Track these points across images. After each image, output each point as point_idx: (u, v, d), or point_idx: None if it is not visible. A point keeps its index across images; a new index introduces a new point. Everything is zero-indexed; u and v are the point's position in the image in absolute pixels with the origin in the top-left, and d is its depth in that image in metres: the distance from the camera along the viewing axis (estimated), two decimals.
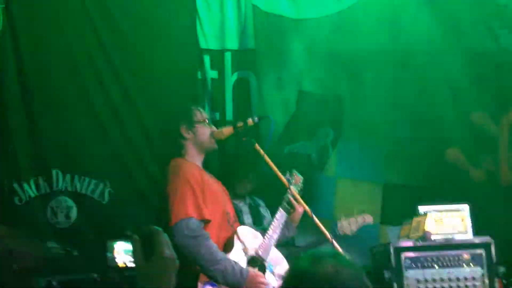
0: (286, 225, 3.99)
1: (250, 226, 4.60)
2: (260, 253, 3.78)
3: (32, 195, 5.30)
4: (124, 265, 4.83)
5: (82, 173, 5.38)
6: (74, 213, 5.35)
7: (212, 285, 3.60)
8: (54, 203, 5.35)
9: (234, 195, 4.70)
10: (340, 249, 3.99)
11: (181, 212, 3.62)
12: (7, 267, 3.96)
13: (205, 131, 3.95)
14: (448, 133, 6.00)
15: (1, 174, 5.27)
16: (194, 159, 3.90)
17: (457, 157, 5.99)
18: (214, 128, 4.01)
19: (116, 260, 4.86)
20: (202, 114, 4.01)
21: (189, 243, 3.56)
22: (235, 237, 3.79)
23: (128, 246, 4.77)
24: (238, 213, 4.62)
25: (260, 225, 4.65)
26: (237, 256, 3.72)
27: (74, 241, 5.28)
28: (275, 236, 3.84)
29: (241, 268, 3.65)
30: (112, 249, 4.85)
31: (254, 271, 3.70)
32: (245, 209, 4.79)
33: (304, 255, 1.95)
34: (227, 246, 3.79)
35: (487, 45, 6.07)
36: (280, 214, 3.91)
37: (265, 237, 3.83)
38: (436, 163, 5.96)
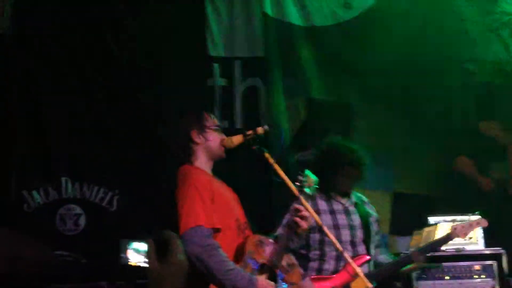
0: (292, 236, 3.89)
1: (359, 227, 4.47)
2: (271, 260, 3.74)
3: (41, 202, 5.29)
4: (136, 265, 4.79)
5: (90, 181, 5.37)
6: (82, 220, 5.34)
7: None
8: (63, 211, 5.34)
9: (339, 193, 4.55)
10: (351, 261, 3.96)
11: (190, 221, 3.57)
12: (15, 273, 3.96)
13: (215, 137, 3.89)
14: (458, 141, 5.98)
15: (10, 182, 5.27)
16: (203, 165, 3.85)
17: (466, 166, 5.96)
18: (223, 135, 3.97)
19: (130, 260, 4.83)
20: (213, 120, 3.97)
21: (198, 252, 3.51)
22: (246, 245, 3.75)
23: (142, 246, 4.74)
24: (346, 214, 4.50)
25: (366, 225, 4.49)
26: (248, 265, 3.68)
27: (82, 249, 5.27)
28: (287, 243, 3.79)
29: (251, 278, 3.60)
30: (126, 249, 4.82)
31: (264, 279, 3.66)
32: (352, 208, 4.56)
33: None
34: (238, 254, 3.73)
35: (498, 53, 6.06)
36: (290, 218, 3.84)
37: (277, 244, 3.78)
38: (446, 172, 5.94)
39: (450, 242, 4.89)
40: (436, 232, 4.90)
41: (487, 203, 5.79)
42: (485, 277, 4.85)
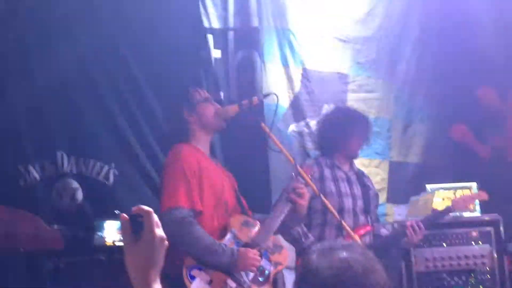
0: (291, 215, 3.82)
1: (359, 197, 4.48)
2: (255, 240, 3.71)
3: (37, 177, 5.27)
4: (112, 244, 4.79)
5: (87, 155, 5.35)
6: (79, 195, 5.32)
7: (199, 268, 3.54)
8: (59, 185, 5.32)
9: (348, 157, 4.59)
10: (348, 229, 3.96)
11: (171, 200, 3.55)
12: (12, 249, 3.95)
13: (208, 110, 3.87)
14: (454, 108, 5.95)
15: (6, 157, 5.24)
16: (200, 143, 3.83)
17: (463, 133, 5.95)
18: (217, 105, 3.94)
19: (105, 239, 4.83)
20: (202, 93, 3.93)
21: (175, 230, 3.46)
22: (230, 224, 3.73)
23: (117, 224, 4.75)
24: (348, 182, 4.50)
25: (367, 196, 4.52)
26: (231, 243, 3.66)
27: (79, 223, 5.26)
28: (275, 224, 3.75)
29: (232, 249, 3.58)
30: (102, 228, 4.83)
31: (245, 248, 3.63)
32: (353, 178, 4.59)
33: (314, 247, 1.87)
34: (221, 234, 3.73)
35: (494, 18, 6.01)
36: (283, 203, 3.81)
37: (263, 224, 3.77)
38: (443, 140, 5.93)
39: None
40: (434, 200, 4.91)
41: (485, 171, 5.78)
42: (483, 244, 4.87)
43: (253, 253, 3.59)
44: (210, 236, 3.57)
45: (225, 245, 3.58)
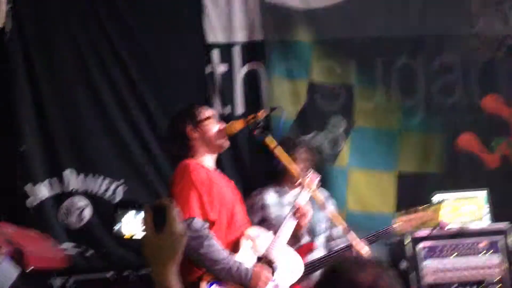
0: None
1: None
2: (269, 254, 3.71)
3: (45, 196, 5.30)
4: (130, 237, 4.77)
5: (94, 172, 5.36)
6: (87, 212, 5.34)
7: (218, 284, 3.54)
8: (67, 204, 5.34)
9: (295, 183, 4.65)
10: (357, 239, 3.96)
11: (184, 213, 3.56)
12: (21, 268, 3.95)
13: (211, 128, 3.85)
14: (461, 118, 5.93)
15: (14, 176, 5.27)
16: (204, 159, 3.83)
17: (471, 143, 5.92)
18: (222, 123, 3.93)
19: (123, 231, 4.82)
20: (206, 111, 3.92)
21: (191, 244, 3.47)
22: (243, 237, 3.73)
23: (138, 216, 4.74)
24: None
25: (316, 218, 4.57)
26: (245, 256, 3.66)
27: (88, 241, 5.28)
28: (287, 235, 3.77)
29: (246, 269, 3.57)
30: (121, 220, 4.82)
31: (259, 267, 3.63)
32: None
33: (346, 260, 1.91)
34: (235, 247, 3.72)
35: (498, 27, 6.00)
36: (291, 218, 3.83)
37: (276, 236, 3.77)
38: (450, 150, 5.91)
39: (455, 219, 4.89)
40: (442, 210, 4.87)
41: (492, 180, 5.75)
42: (492, 254, 4.84)
43: (265, 275, 3.59)
44: (225, 250, 3.58)
45: (240, 262, 3.58)
